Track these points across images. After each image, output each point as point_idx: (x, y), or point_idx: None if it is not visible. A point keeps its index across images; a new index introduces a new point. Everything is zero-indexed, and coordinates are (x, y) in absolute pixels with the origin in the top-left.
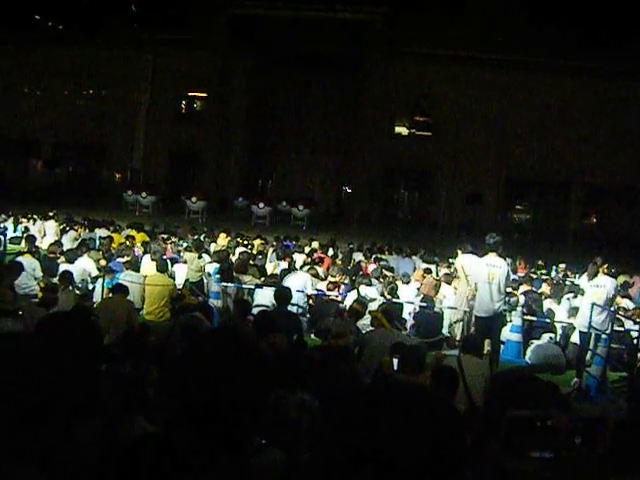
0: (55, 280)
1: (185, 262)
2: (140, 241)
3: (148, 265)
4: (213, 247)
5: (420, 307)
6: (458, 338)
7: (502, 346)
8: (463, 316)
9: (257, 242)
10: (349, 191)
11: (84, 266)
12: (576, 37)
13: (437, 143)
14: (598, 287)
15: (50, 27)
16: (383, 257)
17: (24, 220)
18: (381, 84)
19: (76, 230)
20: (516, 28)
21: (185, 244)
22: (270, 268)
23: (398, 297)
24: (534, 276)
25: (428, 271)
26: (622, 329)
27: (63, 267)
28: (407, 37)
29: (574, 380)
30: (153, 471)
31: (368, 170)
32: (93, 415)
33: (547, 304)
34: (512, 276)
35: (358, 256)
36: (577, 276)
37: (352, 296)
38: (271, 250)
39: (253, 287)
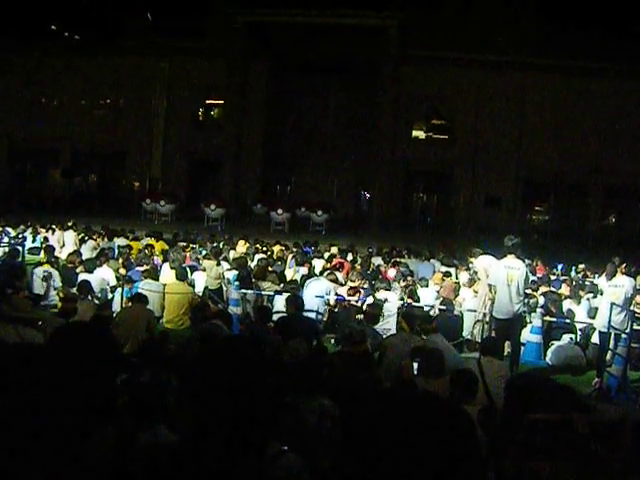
0: (74, 290)
1: (204, 270)
2: (159, 250)
3: (167, 273)
4: (232, 254)
5: (440, 310)
6: (478, 340)
7: (522, 348)
8: (483, 318)
9: (276, 248)
10: (367, 196)
11: (103, 276)
12: (592, 37)
13: (454, 146)
14: (617, 287)
15: (66, 37)
16: (402, 261)
17: (43, 230)
18: (396, 88)
19: (95, 240)
20: (530, 29)
21: (204, 252)
22: (289, 274)
23: (419, 300)
24: (553, 277)
25: (448, 274)
26: None
27: (82, 277)
28: (420, 41)
29: (595, 380)
30: (173, 479)
31: (386, 174)
32: (108, 424)
33: (567, 305)
34: (531, 277)
35: (377, 260)
36: (596, 276)
37: (370, 301)
38: (290, 256)
39: (272, 293)
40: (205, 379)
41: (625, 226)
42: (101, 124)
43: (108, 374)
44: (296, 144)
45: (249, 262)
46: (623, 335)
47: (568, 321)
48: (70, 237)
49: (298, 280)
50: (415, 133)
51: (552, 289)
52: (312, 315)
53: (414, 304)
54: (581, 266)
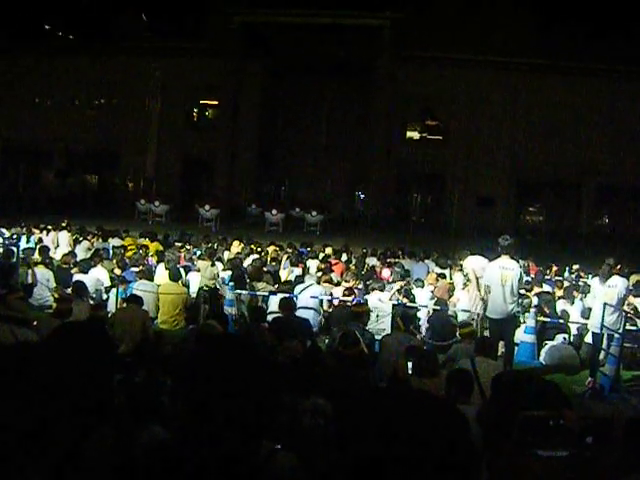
0: (69, 290)
1: (198, 270)
2: (154, 250)
3: (162, 274)
4: (227, 255)
5: (434, 310)
6: None
7: (516, 348)
8: (476, 319)
9: (271, 249)
10: (362, 196)
11: (98, 276)
12: (586, 37)
13: (449, 147)
14: (610, 287)
15: (60, 37)
16: (397, 261)
17: (37, 231)
18: (391, 89)
19: (89, 240)
20: (525, 30)
21: (198, 252)
22: (284, 275)
23: (414, 300)
24: (547, 277)
25: (442, 276)
26: (635, 328)
27: (77, 277)
28: (415, 42)
29: (588, 380)
30: (168, 478)
31: (381, 175)
32: (105, 423)
33: (561, 305)
34: (525, 278)
35: (372, 261)
36: (590, 277)
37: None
38: (285, 257)
39: (267, 294)
40: (200, 379)
41: (618, 226)
42: (95, 124)
43: (106, 373)
44: (291, 144)
45: (243, 262)
46: (616, 335)
47: (562, 321)
48: (64, 238)
49: (292, 280)
50: (409, 134)
51: (546, 289)
52: (310, 312)
53: (409, 304)
54: (575, 267)
